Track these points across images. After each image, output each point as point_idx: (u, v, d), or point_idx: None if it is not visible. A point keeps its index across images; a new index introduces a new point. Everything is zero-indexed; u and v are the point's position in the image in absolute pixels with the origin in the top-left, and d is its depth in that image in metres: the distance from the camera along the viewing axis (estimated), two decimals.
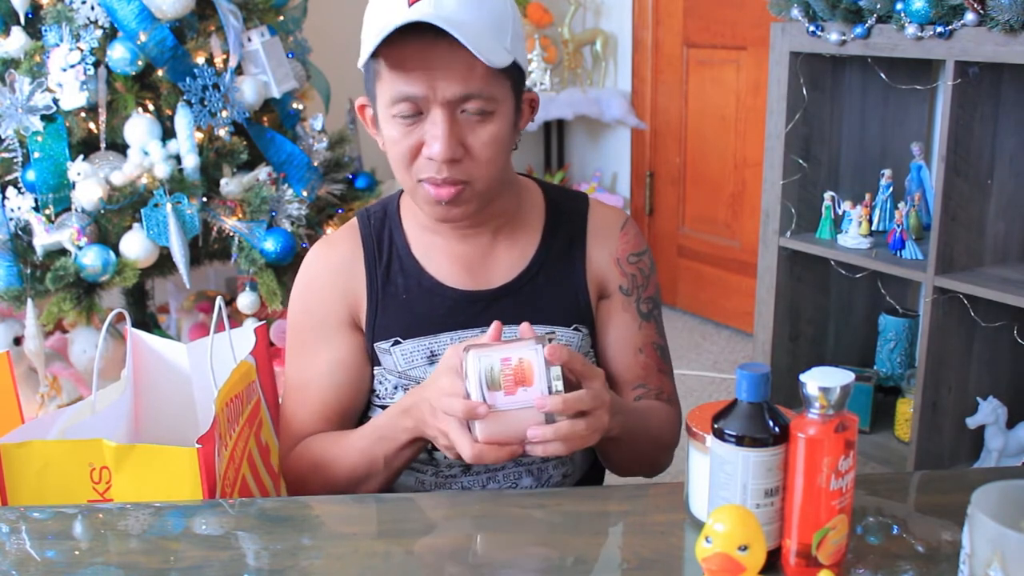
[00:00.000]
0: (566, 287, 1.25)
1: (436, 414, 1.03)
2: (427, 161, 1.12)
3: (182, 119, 2.15)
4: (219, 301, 1.29)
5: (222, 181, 2.20)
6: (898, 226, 2.32)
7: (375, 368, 1.25)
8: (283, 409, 1.29)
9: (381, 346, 1.23)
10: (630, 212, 3.92)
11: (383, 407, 1.25)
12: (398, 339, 1.23)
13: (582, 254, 1.26)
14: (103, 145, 2.18)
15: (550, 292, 1.24)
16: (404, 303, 1.23)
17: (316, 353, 1.25)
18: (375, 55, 1.10)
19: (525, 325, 1.06)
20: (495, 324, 1.06)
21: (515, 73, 1.14)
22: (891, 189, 2.45)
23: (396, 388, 1.24)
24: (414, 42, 1.07)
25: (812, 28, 2.30)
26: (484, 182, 1.15)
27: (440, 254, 1.24)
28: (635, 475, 1.29)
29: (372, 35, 1.09)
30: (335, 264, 1.25)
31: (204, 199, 2.17)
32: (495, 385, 0.99)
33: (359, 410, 1.27)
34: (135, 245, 2.10)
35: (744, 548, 0.78)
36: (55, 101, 2.08)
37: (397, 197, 1.29)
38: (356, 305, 1.24)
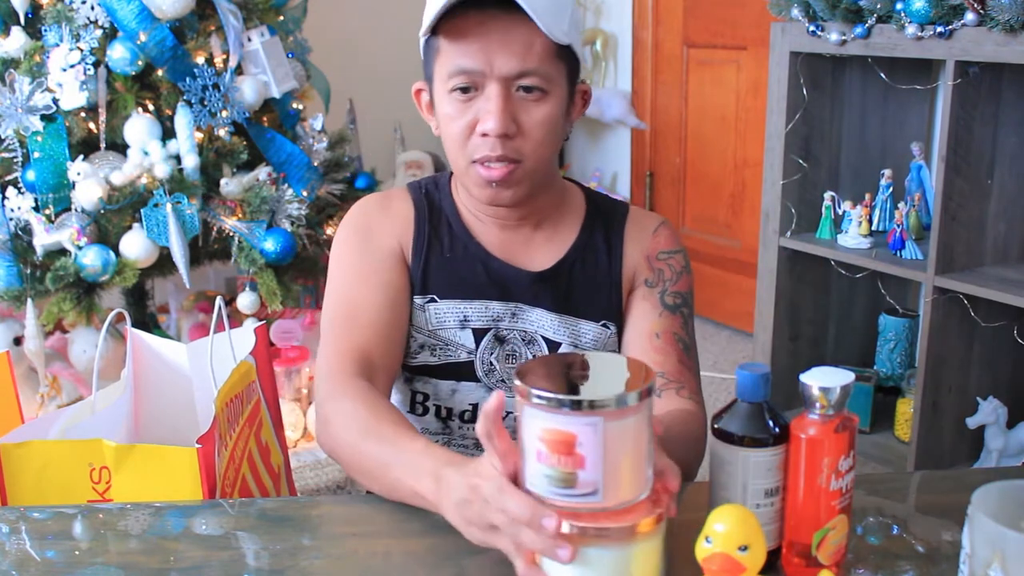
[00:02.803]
0: (600, 283, 1.27)
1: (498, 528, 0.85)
2: (481, 139, 1.13)
3: (182, 119, 2.15)
4: (219, 301, 1.29)
5: (222, 181, 2.20)
6: (898, 226, 2.32)
7: (411, 327, 1.26)
8: (328, 337, 1.20)
9: (416, 301, 1.24)
10: None
11: (404, 367, 1.26)
12: (434, 297, 1.24)
13: (619, 254, 1.27)
14: (103, 145, 2.18)
15: (583, 286, 1.26)
16: (446, 262, 1.25)
17: (368, 277, 1.22)
18: (435, 31, 1.12)
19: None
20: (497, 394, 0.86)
21: (570, 59, 1.16)
22: (891, 189, 2.45)
23: (422, 347, 1.25)
24: (475, 15, 1.09)
25: (812, 28, 2.30)
26: (534, 162, 1.16)
27: (483, 236, 1.26)
28: None
29: (432, 9, 1.10)
30: (390, 210, 1.27)
31: (204, 199, 2.17)
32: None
33: (405, 342, 1.24)
34: (135, 245, 2.10)
35: (744, 548, 0.78)
36: (55, 101, 2.08)
37: (448, 174, 1.30)
38: (406, 249, 1.25)
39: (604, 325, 1.26)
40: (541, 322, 1.25)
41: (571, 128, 1.24)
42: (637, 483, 0.81)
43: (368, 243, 1.24)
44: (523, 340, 1.25)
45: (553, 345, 1.25)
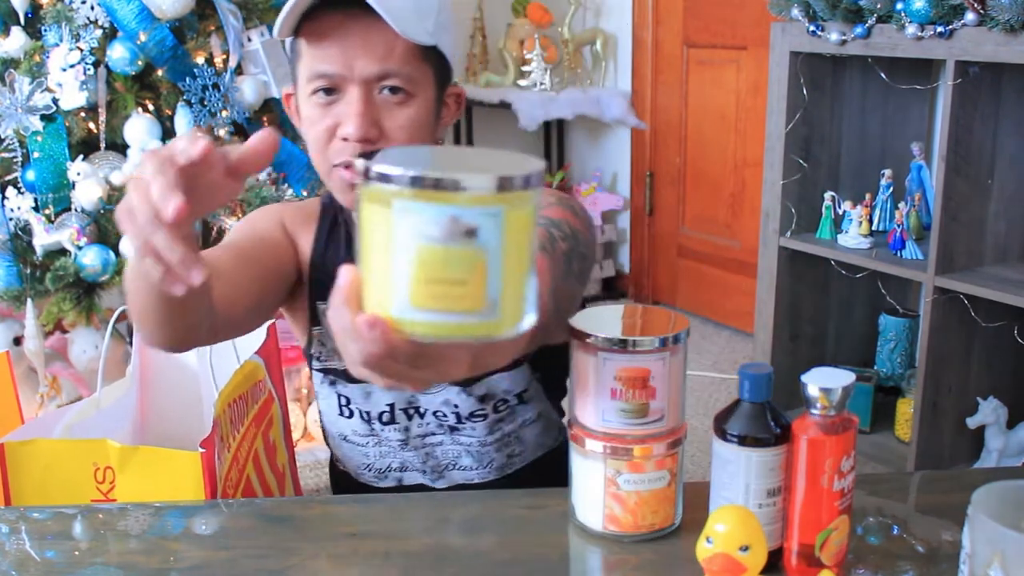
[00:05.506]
0: None
1: None
2: (342, 144, 1.09)
3: (182, 119, 2.15)
4: None
5: None
6: (898, 226, 2.32)
7: (315, 328, 1.24)
8: None
9: (321, 306, 1.22)
10: (630, 212, 3.92)
11: (322, 371, 1.24)
12: None
13: None
14: (103, 145, 2.18)
15: None
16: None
17: (245, 230, 1.20)
18: (296, 33, 1.09)
19: None
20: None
21: (438, 61, 1.12)
22: (891, 189, 2.45)
23: (333, 351, 1.23)
24: (333, 16, 1.06)
25: (812, 28, 2.30)
26: None
27: None
28: None
29: (287, 9, 1.06)
30: (289, 212, 1.24)
31: None
32: None
33: (247, 296, 1.15)
34: None
35: (745, 548, 0.78)
36: (55, 101, 2.08)
37: None
38: (304, 251, 1.23)
39: None
40: None
41: (443, 133, 1.19)
42: (682, 406, 0.95)
43: (266, 221, 1.21)
44: None
45: None
